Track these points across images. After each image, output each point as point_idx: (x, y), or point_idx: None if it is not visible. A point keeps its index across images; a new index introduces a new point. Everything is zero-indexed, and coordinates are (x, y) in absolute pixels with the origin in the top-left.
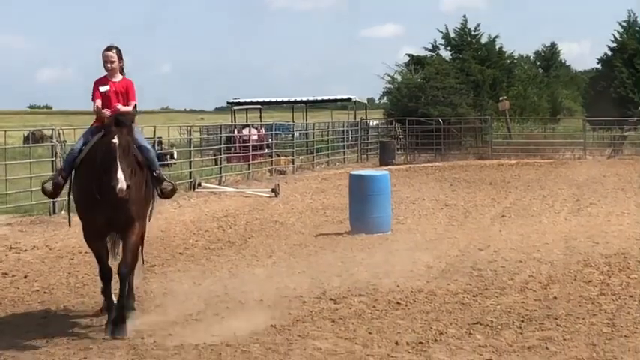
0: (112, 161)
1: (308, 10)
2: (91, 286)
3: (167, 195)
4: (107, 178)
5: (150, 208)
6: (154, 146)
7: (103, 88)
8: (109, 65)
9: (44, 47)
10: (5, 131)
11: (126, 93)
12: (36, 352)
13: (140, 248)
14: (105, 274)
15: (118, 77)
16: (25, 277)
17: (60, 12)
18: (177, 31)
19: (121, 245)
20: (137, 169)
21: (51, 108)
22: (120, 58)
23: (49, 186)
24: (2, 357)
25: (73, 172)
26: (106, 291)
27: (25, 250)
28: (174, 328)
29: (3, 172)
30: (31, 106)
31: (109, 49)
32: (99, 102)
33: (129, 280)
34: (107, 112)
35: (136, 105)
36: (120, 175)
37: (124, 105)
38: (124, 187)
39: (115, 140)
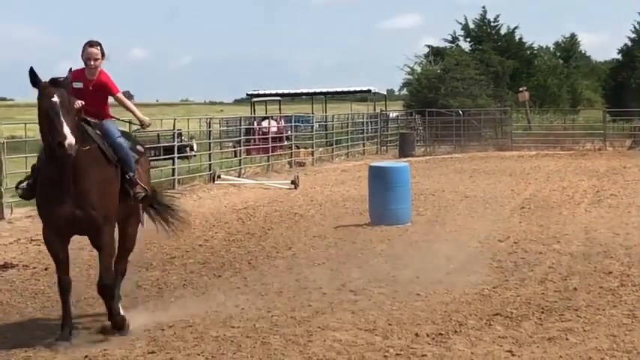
0: (56, 117)
1: (327, 1)
2: None
3: (140, 201)
4: (53, 137)
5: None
6: (173, 138)
7: (76, 85)
8: (92, 63)
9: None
10: (25, 124)
11: (105, 89)
12: (56, 344)
13: (125, 255)
14: (63, 285)
15: (95, 74)
16: (46, 269)
17: (80, 5)
18: (197, 24)
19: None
20: (104, 163)
21: None
22: (103, 54)
23: (20, 191)
24: (23, 349)
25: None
26: (64, 304)
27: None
28: (193, 320)
29: (23, 165)
30: None
31: (91, 44)
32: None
33: (114, 294)
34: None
35: (127, 92)
36: (66, 129)
37: (104, 101)
38: (73, 141)
39: (55, 98)
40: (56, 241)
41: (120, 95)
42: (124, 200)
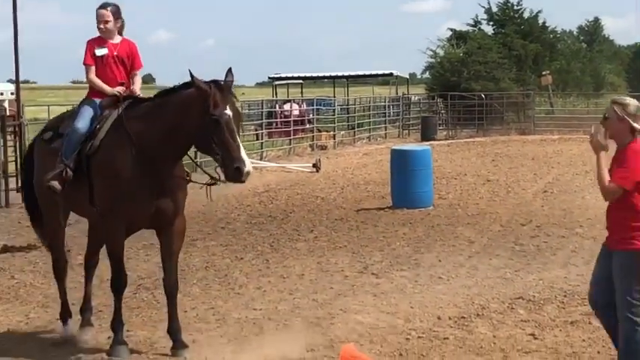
0: (231, 135)
1: None
2: (135, 260)
3: None
4: (227, 159)
5: None
6: None
7: (100, 52)
8: (102, 26)
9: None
10: (48, 106)
11: (130, 59)
12: (78, 323)
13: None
14: (122, 281)
15: (117, 38)
16: (69, 251)
17: None
18: (221, 6)
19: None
20: None
21: None
22: (116, 17)
23: (56, 184)
24: (47, 330)
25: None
26: (118, 301)
27: (70, 225)
28: (216, 302)
29: None
30: (74, 82)
31: (102, 6)
32: (93, 71)
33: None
34: (119, 89)
35: (149, 75)
36: (244, 153)
37: (129, 74)
38: (251, 169)
39: (228, 111)
40: (122, 236)
41: (139, 74)
42: None
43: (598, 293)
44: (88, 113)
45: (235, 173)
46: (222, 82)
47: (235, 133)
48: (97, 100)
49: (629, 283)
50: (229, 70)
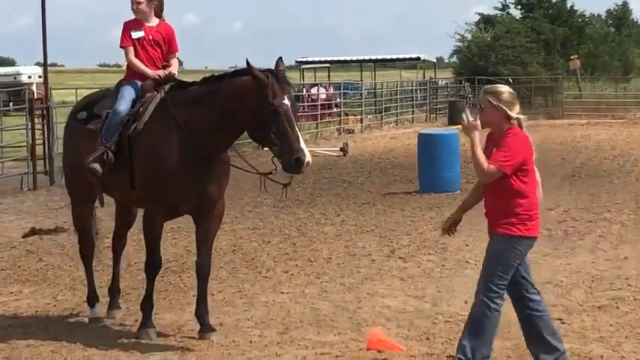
0: (290, 126)
1: None
2: (162, 243)
3: None
4: (287, 149)
5: None
6: None
7: (136, 34)
8: (135, 7)
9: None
10: (76, 89)
11: (167, 42)
12: (105, 306)
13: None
14: (156, 264)
15: (154, 21)
16: (96, 233)
17: None
18: None
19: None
20: None
21: (121, 67)
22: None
23: (97, 167)
24: (75, 312)
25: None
26: (151, 282)
27: (95, 207)
28: (243, 285)
29: None
30: (101, 65)
31: None
32: (132, 52)
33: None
34: (160, 72)
35: (179, 60)
36: (303, 144)
37: (164, 57)
38: (311, 159)
39: (287, 101)
40: (162, 221)
41: (176, 58)
42: None
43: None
44: (129, 95)
45: (295, 164)
46: (277, 72)
47: (294, 122)
48: (138, 83)
49: (494, 268)
50: (280, 59)
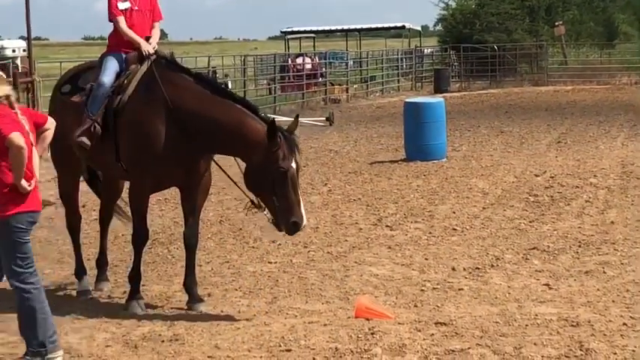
0: (294, 189)
1: None
2: (149, 215)
3: None
4: (285, 212)
5: None
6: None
7: (122, 5)
8: None
9: None
10: (60, 62)
11: (151, 11)
12: (93, 279)
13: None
14: (143, 235)
15: None
16: (83, 206)
17: None
18: None
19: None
20: None
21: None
22: None
23: (85, 140)
24: (62, 285)
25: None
26: (138, 255)
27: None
28: (231, 256)
29: None
30: (85, 38)
31: None
32: (123, 21)
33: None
34: (150, 48)
35: (162, 31)
36: (303, 208)
37: (150, 26)
38: (307, 221)
39: (294, 164)
40: (148, 194)
41: (158, 26)
42: None
43: None
44: (113, 67)
45: (292, 227)
46: (289, 134)
47: (297, 187)
48: (122, 55)
49: (8, 252)
50: (296, 117)
